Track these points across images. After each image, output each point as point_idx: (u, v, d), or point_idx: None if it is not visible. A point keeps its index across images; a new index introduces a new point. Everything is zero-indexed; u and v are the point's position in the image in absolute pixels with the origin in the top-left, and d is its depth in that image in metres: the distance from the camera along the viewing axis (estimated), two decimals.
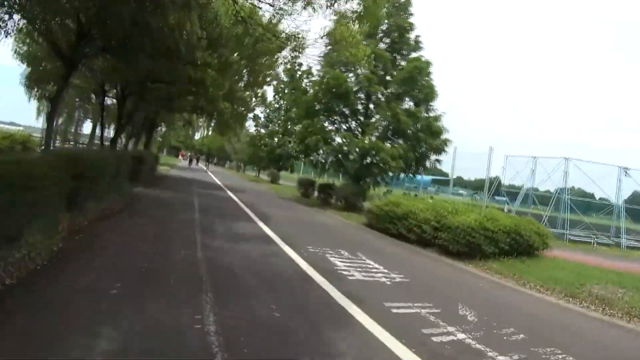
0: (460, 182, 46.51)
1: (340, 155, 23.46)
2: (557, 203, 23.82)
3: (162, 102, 18.38)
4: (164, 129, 43.91)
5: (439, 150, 23.11)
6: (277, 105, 43.01)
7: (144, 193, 14.78)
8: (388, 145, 22.26)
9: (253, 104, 24.09)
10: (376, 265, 8.76)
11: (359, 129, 24.44)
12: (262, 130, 42.57)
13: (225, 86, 17.09)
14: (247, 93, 18.82)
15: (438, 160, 24.04)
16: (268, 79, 15.85)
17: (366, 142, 22.16)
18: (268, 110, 42.78)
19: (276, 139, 41.78)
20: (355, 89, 23.27)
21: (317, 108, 23.74)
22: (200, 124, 43.87)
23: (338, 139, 23.95)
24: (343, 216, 18.79)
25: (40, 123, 37.60)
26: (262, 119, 43.50)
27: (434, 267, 10.43)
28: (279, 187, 34.85)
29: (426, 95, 22.74)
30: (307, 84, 26.44)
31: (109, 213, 9.42)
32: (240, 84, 20.58)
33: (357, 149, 22.32)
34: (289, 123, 42.24)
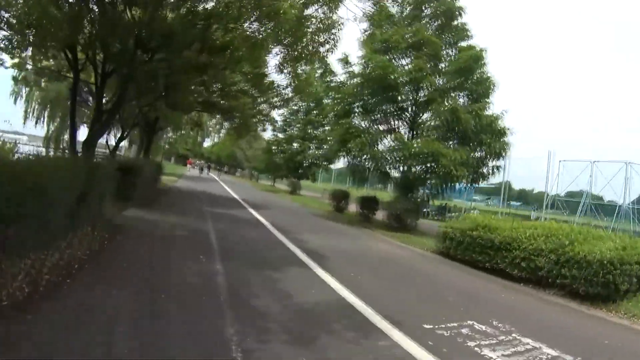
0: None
1: (387, 162, 19.06)
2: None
3: (158, 88, 14.01)
4: (169, 134, 39.77)
5: (499, 154, 18.62)
6: (295, 107, 38.72)
7: (136, 219, 10.42)
8: (449, 148, 17.71)
9: (287, 92, 19.52)
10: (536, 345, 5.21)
11: (407, 130, 20.03)
12: (280, 135, 38.32)
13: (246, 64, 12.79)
14: (286, 71, 14.18)
15: (497, 167, 19.51)
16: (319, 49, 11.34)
17: (421, 145, 17.65)
18: (286, 113, 38.66)
19: (296, 145, 37.60)
20: (404, 80, 18.78)
21: (355, 104, 19.48)
22: (210, 127, 39.56)
23: (384, 142, 19.47)
24: (399, 239, 14.49)
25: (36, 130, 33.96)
26: (280, 123, 39.27)
27: (589, 327, 6.87)
28: (301, 199, 30.53)
29: (484, 89, 18.46)
30: (343, 75, 22.05)
31: (55, 274, 4.95)
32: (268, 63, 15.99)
33: (410, 154, 17.80)
34: (309, 127, 38.03)
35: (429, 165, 17.94)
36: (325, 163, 38.33)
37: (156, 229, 9.57)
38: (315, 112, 38.16)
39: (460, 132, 17.80)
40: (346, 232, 15.47)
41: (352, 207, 22.11)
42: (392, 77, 18.25)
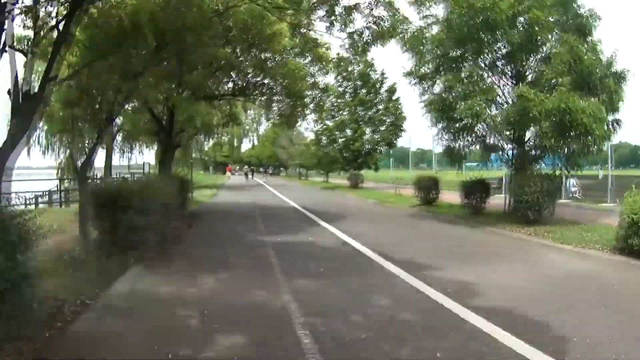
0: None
1: (504, 129, 13.64)
2: None
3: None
4: (201, 138, 35.33)
5: (617, 107, 13.58)
6: (340, 90, 33.41)
7: (132, 302, 5.41)
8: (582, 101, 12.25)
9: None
10: None
11: (511, 84, 14.62)
12: (329, 123, 33.10)
13: None
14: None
15: (618, 122, 14.03)
16: None
17: (555, 99, 12.16)
18: (333, 97, 33.52)
19: (349, 131, 32.37)
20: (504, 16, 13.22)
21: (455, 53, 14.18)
22: (247, 125, 34.86)
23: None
24: (559, 239, 9.57)
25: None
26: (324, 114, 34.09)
27: None
28: (371, 194, 25.14)
29: (586, 24, 13.42)
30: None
31: None
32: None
33: (541, 113, 12.21)
34: (360, 109, 32.73)
35: (563, 125, 12.46)
36: (384, 148, 33.10)
37: (166, 336, 4.40)
38: (363, 90, 32.93)
39: (585, 80, 12.59)
40: (481, 242, 10.12)
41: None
42: (495, 11, 12.83)
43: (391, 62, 22.64)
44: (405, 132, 33.04)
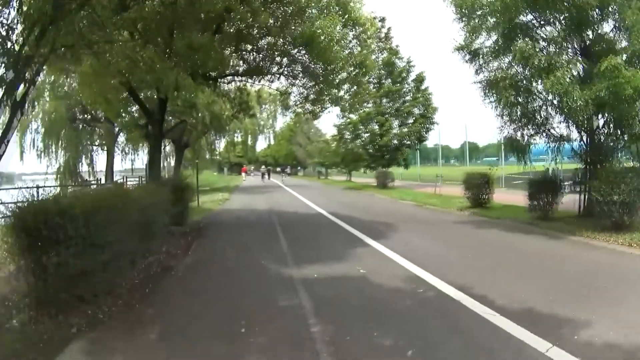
0: None
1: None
2: None
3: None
4: (212, 135, 32.52)
5: None
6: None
7: None
8: None
9: None
10: None
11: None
12: (352, 116, 29.98)
13: None
14: None
15: None
16: None
17: None
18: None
19: (376, 125, 29.25)
20: None
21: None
22: (262, 121, 31.94)
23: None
24: None
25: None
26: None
27: None
28: (405, 195, 22.00)
29: None
30: None
31: None
32: None
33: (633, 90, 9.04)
34: (385, 100, 29.67)
35: None
36: (413, 143, 29.88)
37: None
38: (388, 81, 29.77)
39: None
40: (588, 263, 7.03)
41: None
42: None
43: (417, 49, 19.63)
44: (437, 125, 29.89)
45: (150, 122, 12.09)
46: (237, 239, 10.48)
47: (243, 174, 58.09)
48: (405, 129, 28.60)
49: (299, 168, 73.62)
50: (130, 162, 31.55)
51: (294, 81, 13.87)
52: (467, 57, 12.75)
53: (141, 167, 34.46)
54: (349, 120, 29.88)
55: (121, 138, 29.40)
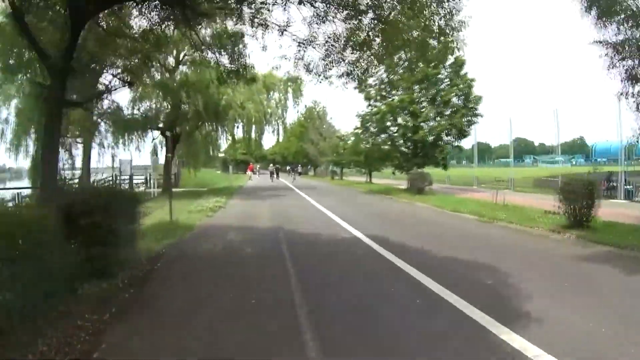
0: None
1: None
2: None
3: None
4: (210, 129, 27.15)
5: None
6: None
7: None
8: None
9: None
10: None
11: None
12: (379, 105, 24.57)
13: None
14: None
15: None
16: None
17: None
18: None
19: (406, 117, 23.68)
20: None
21: None
22: (272, 102, 26.49)
23: None
24: None
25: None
26: (373, 91, 25.50)
27: None
28: (456, 204, 16.49)
29: None
30: None
31: None
32: None
33: None
34: (418, 87, 24.21)
35: None
36: (453, 138, 24.38)
37: None
38: (420, 65, 24.28)
39: None
40: None
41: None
42: None
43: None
44: (482, 117, 24.31)
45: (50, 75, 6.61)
46: (213, 299, 5.22)
47: (249, 172, 52.75)
48: (444, 122, 23.07)
49: (309, 167, 68.35)
50: (113, 158, 26.31)
51: (320, 19, 8.28)
52: None
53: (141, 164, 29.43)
54: (375, 109, 24.45)
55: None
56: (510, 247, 8.92)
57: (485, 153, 75.15)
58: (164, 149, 28.33)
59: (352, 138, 37.79)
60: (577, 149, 79.95)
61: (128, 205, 6.82)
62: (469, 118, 23.59)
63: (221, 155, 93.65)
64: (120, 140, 26.24)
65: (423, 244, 8.65)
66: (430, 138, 23.10)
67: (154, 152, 28.92)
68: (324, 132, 53.83)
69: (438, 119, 23.66)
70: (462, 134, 24.06)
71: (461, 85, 23.68)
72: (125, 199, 6.91)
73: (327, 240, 9.43)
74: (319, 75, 9.47)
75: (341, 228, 11.21)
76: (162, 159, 29.53)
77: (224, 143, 30.77)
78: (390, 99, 24.48)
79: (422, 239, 9.42)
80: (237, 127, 24.54)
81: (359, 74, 9.58)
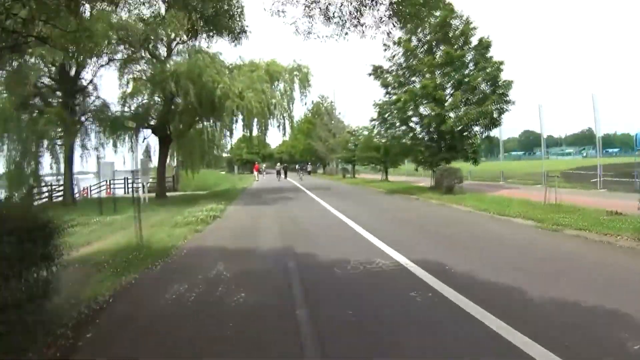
0: None
1: None
2: None
3: None
4: (207, 125, 24.05)
5: None
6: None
7: None
8: None
9: None
10: None
11: None
12: (398, 93, 21.25)
13: None
14: None
15: None
16: None
17: None
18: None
19: (431, 105, 20.27)
20: None
21: None
22: (276, 92, 23.30)
23: None
24: None
25: None
26: (390, 77, 22.24)
27: None
28: (500, 205, 13.39)
29: None
30: None
31: None
32: None
33: None
34: (440, 70, 20.97)
35: None
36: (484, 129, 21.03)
37: None
38: (441, 48, 21.07)
39: None
40: None
41: None
42: None
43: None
44: (514, 105, 20.89)
45: None
46: None
47: (255, 172, 49.71)
48: (473, 110, 19.71)
49: (318, 165, 65.34)
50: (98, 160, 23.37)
51: None
52: None
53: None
54: (395, 97, 21.15)
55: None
56: (621, 275, 5.78)
57: (493, 146, 71.67)
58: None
59: (365, 132, 34.68)
60: (586, 140, 76.84)
61: (24, 239, 3.79)
62: (500, 105, 20.30)
63: (226, 155, 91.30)
64: (110, 141, 23.41)
65: (507, 278, 5.53)
66: (459, 128, 19.83)
67: (147, 154, 25.94)
68: (333, 128, 51.11)
69: (466, 107, 20.35)
70: (494, 123, 20.73)
71: (488, 69, 20.41)
72: (21, 229, 3.86)
73: (360, 276, 6.27)
74: (344, 25, 6.28)
75: (373, 248, 8.04)
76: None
77: (228, 142, 27.77)
78: (410, 86, 21.24)
79: (493, 264, 6.36)
80: (236, 121, 21.29)
81: (408, 12, 6.29)
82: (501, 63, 20.23)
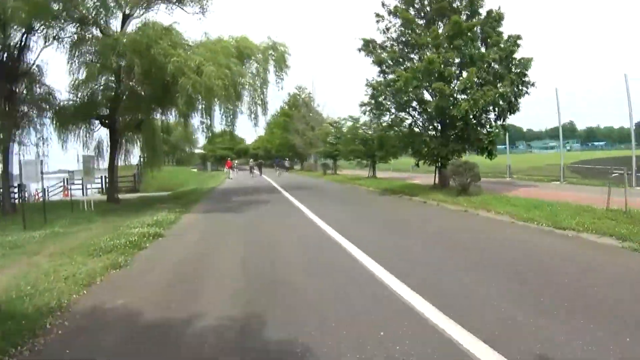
0: None
1: None
2: None
3: None
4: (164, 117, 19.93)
5: None
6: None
7: None
8: None
9: None
10: None
11: None
12: (397, 71, 17.22)
13: None
14: None
15: None
16: None
17: None
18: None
19: (440, 85, 16.17)
20: None
21: None
22: (248, 75, 19.21)
23: None
24: None
25: None
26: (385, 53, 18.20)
27: None
28: (552, 213, 9.71)
29: None
30: None
31: None
32: None
33: None
34: (447, 44, 17.06)
35: None
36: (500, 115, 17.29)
37: None
38: (440, 24, 17.26)
39: None
40: None
41: None
42: None
43: None
44: (534, 88, 17.20)
45: None
46: None
47: (227, 169, 45.33)
48: (490, 91, 15.92)
49: (295, 160, 61.28)
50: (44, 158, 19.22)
51: None
52: None
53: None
54: (392, 76, 17.14)
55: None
56: None
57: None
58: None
59: (349, 123, 30.85)
60: (568, 133, 75.15)
61: None
62: (519, 87, 16.63)
63: (200, 151, 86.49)
64: (55, 136, 19.39)
65: None
66: (473, 114, 16.04)
67: (98, 151, 21.65)
68: (311, 121, 47.49)
69: (482, 88, 16.49)
70: (512, 108, 17.01)
71: (502, 45, 16.71)
72: None
73: None
74: None
75: (409, 316, 4.22)
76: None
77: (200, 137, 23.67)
78: (411, 64, 17.34)
79: None
80: (198, 109, 16.91)
81: None
82: (517, 38, 16.55)
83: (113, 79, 18.55)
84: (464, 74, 16.20)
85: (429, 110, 16.68)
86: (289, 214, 13.26)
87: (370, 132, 26.49)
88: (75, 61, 18.67)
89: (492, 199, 13.26)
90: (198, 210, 14.63)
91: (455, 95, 16.07)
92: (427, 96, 17.29)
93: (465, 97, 15.82)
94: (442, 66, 15.95)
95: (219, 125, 18.84)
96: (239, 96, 17.32)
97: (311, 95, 53.46)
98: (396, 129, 18.66)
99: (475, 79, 15.95)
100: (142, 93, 16.77)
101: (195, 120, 18.28)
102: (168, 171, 39.45)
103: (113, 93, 18.78)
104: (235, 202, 17.06)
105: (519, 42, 16.49)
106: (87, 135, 20.91)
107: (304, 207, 14.43)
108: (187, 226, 11.43)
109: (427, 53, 16.82)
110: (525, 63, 16.32)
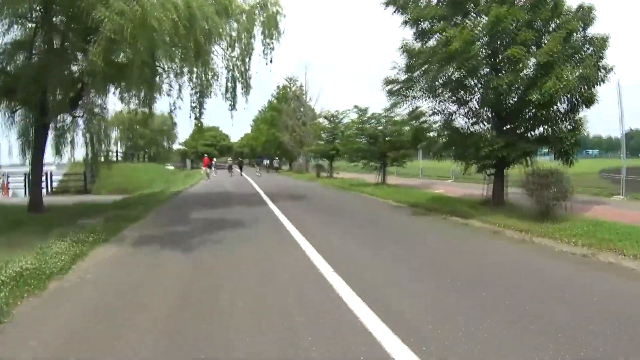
0: None
1: None
2: None
3: None
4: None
5: None
6: None
7: None
8: None
9: None
10: None
11: None
12: (432, 43, 11.78)
13: None
14: None
15: None
16: None
17: None
18: None
19: (517, 50, 10.62)
20: None
21: None
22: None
23: None
24: None
25: None
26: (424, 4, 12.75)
27: None
28: None
29: None
30: None
31: None
32: None
33: None
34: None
35: None
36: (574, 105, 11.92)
37: None
38: None
39: None
40: None
41: None
42: None
43: None
44: (612, 74, 11.80)
45: None
46: None
47: (203, 169, 39.53)
48: (574, 72, 10.52)
49: (283, 160, 55.79)
50: None
51: None
52: None
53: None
54: (447, 35, 11.33)
55: None
56: None
57: None
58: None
59: (354, 115, 25.59)
60: None
61: None
62: (595, 72, 11.26)
63: (181, 147, 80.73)
64: None
65: None
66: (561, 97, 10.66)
67: (26, 143, 15.97)
68: (302, 116, 42.58)
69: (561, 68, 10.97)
70: (589, 98, 11.63)
71: (570, 15, 11.41)
72: None
73: None
74: None
75: None
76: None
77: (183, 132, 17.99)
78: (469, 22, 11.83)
79: None
80: (133, 69, 10.93)
81: None
82: (589, 7, 11.20)
83: (30, 32, 12.87)
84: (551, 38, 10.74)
85: (488, 92, 11.15)
86: (276, 254, 7.45)
87: (380, 128, 21.20)
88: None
89: (596, 228, 8.24)
90: (128, 239, 8.86)
91: (531, 72, 10.70)
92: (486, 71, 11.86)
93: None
94: (515, 26, 10.58)
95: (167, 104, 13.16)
96: (204, 53, 11.63)
97: (302, 87, 47.91)
98: (437, 119, 13.01)
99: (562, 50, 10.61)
100: (70, 52, 11.21)
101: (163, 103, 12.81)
102: (136, 169, 33.89)
103: (29, 54, 13.11)
104: (194, 223, 11.28)
105: (593, 13, 11.12)
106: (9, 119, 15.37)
107: (297, 232, 9.01)
108: (79, 285, 5.74)
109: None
110: (602, 43, 10.90)
